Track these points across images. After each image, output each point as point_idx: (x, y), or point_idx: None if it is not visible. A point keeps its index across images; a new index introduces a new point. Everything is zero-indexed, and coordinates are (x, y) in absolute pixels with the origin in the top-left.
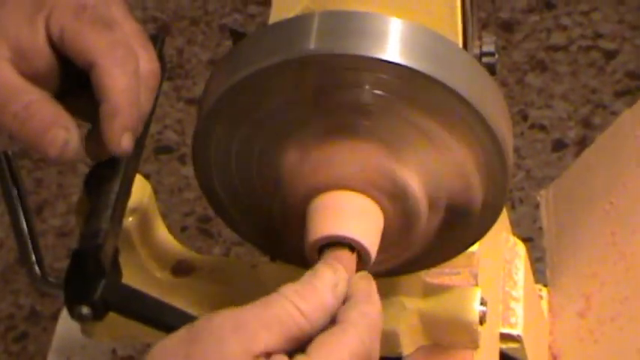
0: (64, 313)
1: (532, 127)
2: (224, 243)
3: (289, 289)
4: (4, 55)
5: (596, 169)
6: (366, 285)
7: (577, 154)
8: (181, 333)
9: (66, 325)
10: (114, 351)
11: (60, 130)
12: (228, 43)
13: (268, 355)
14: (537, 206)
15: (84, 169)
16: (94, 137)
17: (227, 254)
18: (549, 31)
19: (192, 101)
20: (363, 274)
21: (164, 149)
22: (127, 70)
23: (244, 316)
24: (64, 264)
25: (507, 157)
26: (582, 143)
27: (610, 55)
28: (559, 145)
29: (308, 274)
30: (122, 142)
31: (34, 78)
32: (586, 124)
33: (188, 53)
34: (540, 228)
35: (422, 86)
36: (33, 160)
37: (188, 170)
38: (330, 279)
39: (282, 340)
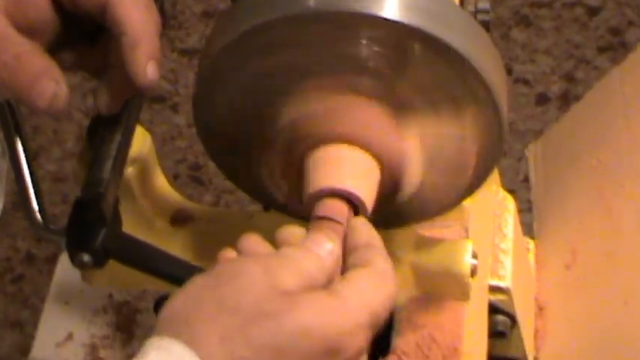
0: (63, 259)
1: (516, 81)
2: (215, 190)
3: (294, 251)
4: None
5: (583, 125)
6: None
7: (560, 108)
8: (205, 279)
9: (64, 271)
10: (110, 296)
11: (49, 82)
12: None
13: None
14: (520, 159)
15: (79, 117)
16: (104, 90)
17: (217, 202)
18: None
19: (185, 52)
20: (363, 220)
21: (157, 98)
22: (139, 4)
23: (270, 261)
24: (59, 209)
25: (502, 112)
26: (565, 97)
27: (593, 11)
28: (542, 99)
29: (307, 241)
30: (148, 71)
31: (29, 29)
32: (569, 78)
33: (182, 5)
34: (523, 180)
35: (419, 43)
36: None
37: (180, 119)
38: (327, 247)
39: (301, 287)
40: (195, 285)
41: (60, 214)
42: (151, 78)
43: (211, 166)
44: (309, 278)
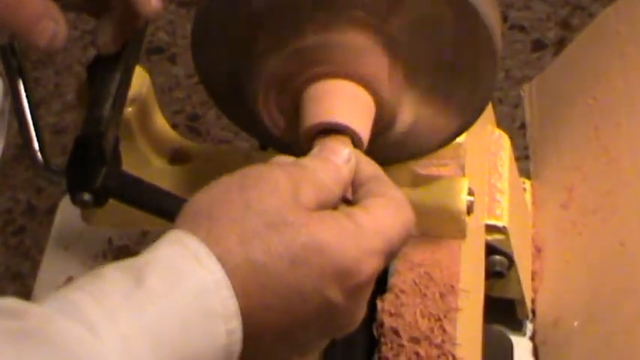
0: (62, 205)
1: (512, 27)
2: (212, 141)
3: (312, 161)
4: None
5: (579, 64)
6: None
7: (556, 55)
8: (231, 180)
9: (64, 216)
10: (110, 240)
11: (49, 22)
12: None
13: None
14: (517, 106)
15: (79, 69)
16: (104, 29)
17: None
18: None
19: (182, 4)
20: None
21: (155, 50)
22: None
23: (293, 170)
24: (59, 160)
25: (496, 43)
26: (561, 44)
27: None
28: (538, 46)
29: (324, 149)
30: (152, 1)
31: None
32: (565, 25)
33: None
34: (519, 127)
35: None
36: (31, 61)
37: (178, 70)
38: (345, 154)
39: (319, 200)
40: (222, 184)
41: (61, 165)
42: (156, 8)
43: (209, 116)
44: (326, 191)
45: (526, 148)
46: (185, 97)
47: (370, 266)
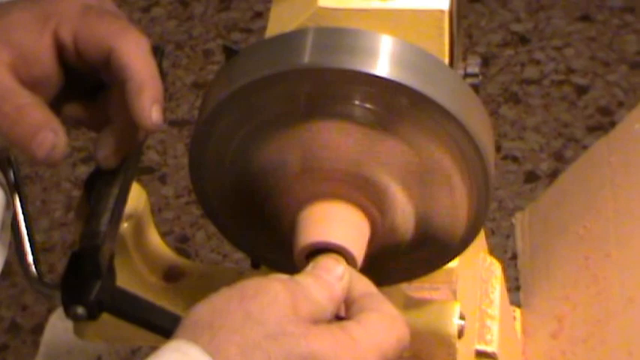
0: (52, 320)
1: (505, 157)
2: (201, 263)
3: (306, 279)
4: (4, 60)
5: (571, 194)
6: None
7: (549, 186)
8: (230, 292)
9: (53, 331)
10: (99, 357)
11: (48, 134)
12: (212, 67)
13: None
14: (509, 236)
15: (68, 186)
16: (104, 143)
17: None
18: (523, 65)
19: (175, 123)
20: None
21: (146, 170)
22: (142, 49)
23: (292, 286)
24: (46, 278)
25: (490, 171)
26: (554, 176)
27: (582, 90)
28: (531, 177)
29: (317, 267)
30: (152, 115)
31: (32, 84)
32: (558, 157)
33: (172, 76)
34: (511, 257)
35: (410, 101)
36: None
37: (168, 190)
38: (338, 271)
39: (312, 317)
40: (222, 295)
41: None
42: (155, 121)
43: (198, 237)
44: (319, 308)
45: (517, 279)
46: (175, 218)
47: None
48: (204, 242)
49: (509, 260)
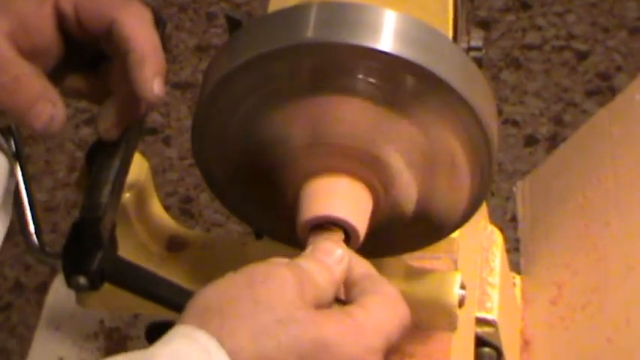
0: (55, 284)
1: (505, 122)
2: (204, 223)
3: (307, 263)
4: (3, 29)
5: (571, 163)
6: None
7: (548, 150)
8: (238, 277)
9: (56, 296)
10: (102, 321)
11: (46, 105)
12: (215, 30)
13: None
14: (508, 199)
15: (71, 147)
16: (105, 116)
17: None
18: (524, 30)
19: (178, 85)
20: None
21: (149, 131)
22: (145, 21)
23: (297, 272)
24: (49, 238)
25: (494, 149)
26: (553, 139)
27: (582, 55)
28: (531, 141)
29: (316, 250)
30: (154, 87)
31: (32, 54)
32: (557, 121)
33: (176, 39)
34: (510, 219)
35: (413, 75)
36: (22, 137)
37: (172, 151)
38: (337, 254)
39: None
40: (229, 281)
41: (50, 242)
42: (157, 93)
43: (202, 199)
44: (322, 291)
45: (517, 240)
46: (178, 179)
47: None
48: (207, 203)
49: (509, 222)
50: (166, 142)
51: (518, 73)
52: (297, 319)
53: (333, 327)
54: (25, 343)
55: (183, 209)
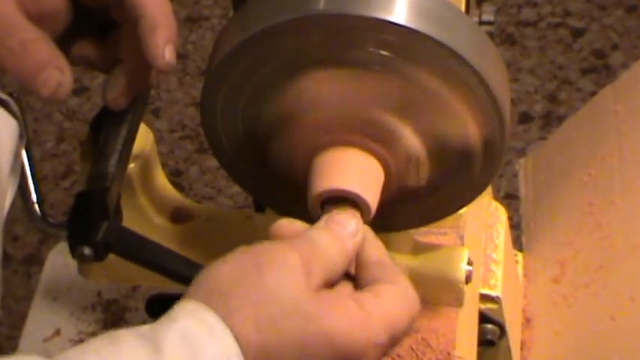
0: (52, 256)
1: None
2: (195, 197)
3: (320, 236)
4: None
5: (575, 141)
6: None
7: (542, 128)
8: (246, 259)
9: (53, 267)
10: (99, 293)
11: (54, 71)
12: (205, 1)
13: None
14: (501, 176)
15: (59, 118)
16: (113, 85)
17: None
18: (520, 6)
19: None
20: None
21: None
22: None
23: (303, 249)
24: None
25: (505, 120)
26: (547, 117)
27: (577, 33)
28: (525, 118)
29: (330, 221)
30: (166, 54)
31: (40, 19)
32: (552, 99)
33: None
34: (504, 197)
35: (425, 47)
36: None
37: (161, 124)
38: (352, 226)
39: (325, 279)
40: (237, 262)
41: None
42: (168, 60)
43: (192, 172)
44: (332, 266)
45: (510, 218)
46: (168, 152)
47: (374, 356)
48: (197, 177)
49: (503, 199)
50: (156, 114)
51: (513, 50)
52: (302, 311)
53: (338, 319)
54: (13, 315)
55: (173, 182)
